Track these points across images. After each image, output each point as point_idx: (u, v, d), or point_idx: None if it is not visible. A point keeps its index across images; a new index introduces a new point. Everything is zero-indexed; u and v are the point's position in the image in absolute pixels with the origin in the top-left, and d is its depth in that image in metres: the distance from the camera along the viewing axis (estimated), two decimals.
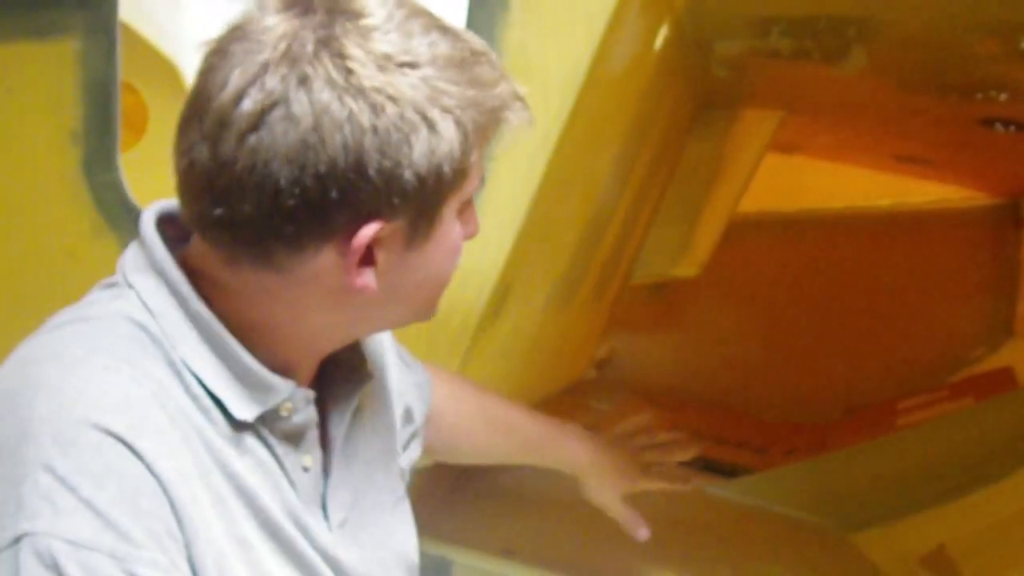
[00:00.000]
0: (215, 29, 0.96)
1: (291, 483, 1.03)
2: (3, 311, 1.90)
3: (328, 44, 0.89)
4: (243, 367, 0.97)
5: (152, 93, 3.25)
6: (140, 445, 0.88)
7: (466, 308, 1.81)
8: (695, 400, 4.36)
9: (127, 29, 2.45)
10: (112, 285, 1.00)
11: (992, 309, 4.40)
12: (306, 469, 1.05)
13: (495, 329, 1.95)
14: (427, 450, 1.40)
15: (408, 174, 0.90)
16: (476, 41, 0.97)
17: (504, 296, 1.91)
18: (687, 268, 4.13)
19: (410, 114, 0.89)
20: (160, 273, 0.98)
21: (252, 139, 0.87)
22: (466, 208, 1.02)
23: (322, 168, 0.88)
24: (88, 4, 1.83)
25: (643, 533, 1.61)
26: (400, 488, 1.23)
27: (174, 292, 0.97)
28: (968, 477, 2.87)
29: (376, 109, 0.89)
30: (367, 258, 0.95)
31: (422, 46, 0.92)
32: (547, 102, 1.75)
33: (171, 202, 1.03)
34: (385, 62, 0.90)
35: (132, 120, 3.06)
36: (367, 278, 0.96)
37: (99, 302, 0.99)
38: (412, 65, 0.91)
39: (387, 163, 0.89)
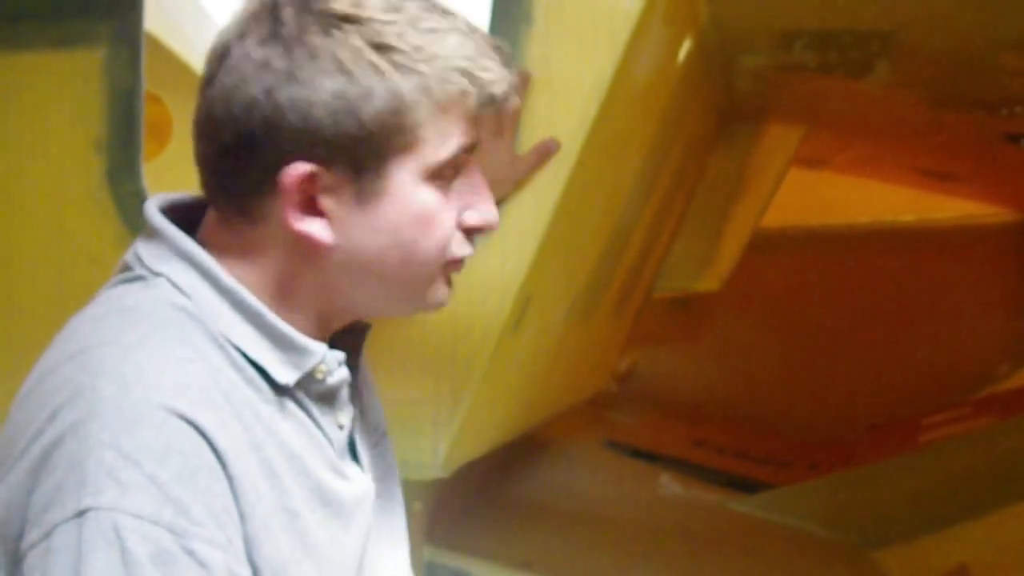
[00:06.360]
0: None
1: (328, 440, 1.08)
2: (27, 319, 1.91)
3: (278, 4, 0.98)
4: (278, 333, 1.01)
5: (176, 103, 3.26)
6: (200, 422, 0.91)
7: (486, 320, 1.80)
8: (717, 414, 4.35)
9: (152, 39, 2.47)
10: (134, 279, 1.02)
11: (1017, 326, 4.37)
12: (341, 427, 1.10)
13: (515, 341, 1.95)
14: None
15: (320, 112, 0.95)
16: (466, 20, 1.01)
17: (524, 308, 1.90)
18: (709, 282, 4.11)
19: (326, 60, 0.95)
20: (185, 257, 1.01)
21: (208, 91, 0.99)
22: (462, 184, 1.04)
23: (246, 102, 0.96)
24: (113, 14, 1.85)
25: (552, 145, 1.71)
26: (382, 423, 1.27)
27: (203, 272, 1.00)
28: (991, 495, 2.85)
29: (291, 53, 0.96)
30: (313, 207, 0.98)
31: (379, 3, 0.98)
32: (569, 114, 1.75)
33: (170, 194, 1.10)
34: (325, 17, 0.97)
35: (156, 130, 3.08)
36: (314, 227, 0.99)
37: (130, 293, 1.01)
38: (352, 20, 0.96)
39: (300, 97, 0.95)
